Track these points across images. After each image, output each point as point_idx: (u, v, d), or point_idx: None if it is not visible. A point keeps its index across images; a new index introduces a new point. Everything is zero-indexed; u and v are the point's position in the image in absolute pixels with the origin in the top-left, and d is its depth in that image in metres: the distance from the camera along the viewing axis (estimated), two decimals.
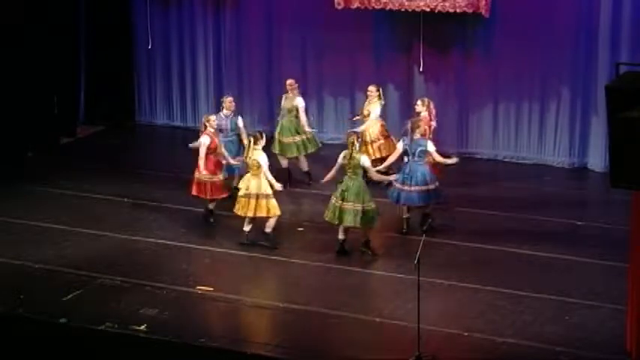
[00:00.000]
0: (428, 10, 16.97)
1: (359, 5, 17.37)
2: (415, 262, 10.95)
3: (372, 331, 11.80)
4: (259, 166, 13.83)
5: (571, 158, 17.32)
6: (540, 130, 17.47)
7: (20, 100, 17.95)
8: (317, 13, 18.28)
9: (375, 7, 17.29)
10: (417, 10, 17.06)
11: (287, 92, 16.39)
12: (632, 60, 15.46)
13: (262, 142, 14.02)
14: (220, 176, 14.75)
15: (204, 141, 14.59)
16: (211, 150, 14.64)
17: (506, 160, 17.73)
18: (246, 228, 14.04)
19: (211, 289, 12.85)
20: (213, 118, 14.94)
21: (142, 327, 11.82)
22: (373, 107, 16.03)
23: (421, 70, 17.79)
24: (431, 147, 14.31)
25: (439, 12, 16.91)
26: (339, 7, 17.51)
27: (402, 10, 17.15)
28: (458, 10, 16.80)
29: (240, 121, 15.62)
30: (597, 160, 16.93)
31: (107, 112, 19.96)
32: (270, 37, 19.00)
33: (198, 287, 12.91)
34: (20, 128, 18.00)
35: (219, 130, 15.19)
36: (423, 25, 17.50)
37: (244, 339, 11.76)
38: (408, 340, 11.11)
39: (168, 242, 14.34)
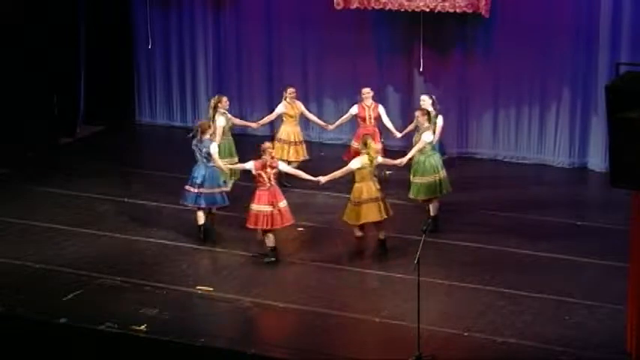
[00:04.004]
0: (428, 10, 16.97)
1: (358, 5, 17.36)
2: (415, 262, 10.95)
3: (372, 331, 11.79)
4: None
5: (571, 158, 17.32)
6: (540, 130, 17.47)
7: (20, 100, 17.95)
8: (316, 14, 18.27)
9: (375, 7, 17.28)
10: (416, 10, 17.06)
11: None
12: (632, 60, 15.47)
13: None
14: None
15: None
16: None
17: (506, 160, 17.73)
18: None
19: (211, 289, 12.86)
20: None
21: (142, 327, 11.82)
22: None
23: (421, 70, 17.77)
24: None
25: (439, 12, 16.91)
26: (339, 8, 17.50)
27: (402, 10, 17.15)
28: (458, 10, 16.80)
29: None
30: (597, 160, 16.94)
31: (107, 112, 19.96)
32: (270, 37, 18.99)
33: (198, 287, 12.91)
34: (20, 128, 18.00)
35: None
36: (422, 26, 17.49)
37: (244, 339, 11.74)
38: (408, 340, 11.10)
39: (168, 242, 14.33)
